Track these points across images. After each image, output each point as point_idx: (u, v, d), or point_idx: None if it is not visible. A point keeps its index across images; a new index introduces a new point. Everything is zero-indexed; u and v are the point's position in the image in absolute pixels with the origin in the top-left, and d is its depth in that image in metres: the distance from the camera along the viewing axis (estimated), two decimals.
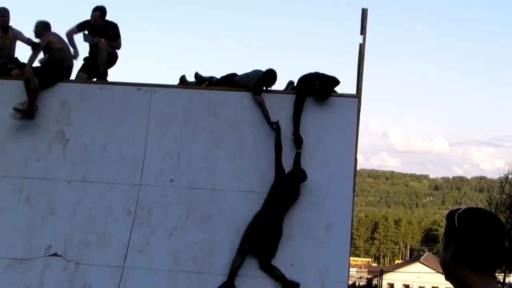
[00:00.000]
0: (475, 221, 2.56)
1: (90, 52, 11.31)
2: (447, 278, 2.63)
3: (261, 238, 9.24)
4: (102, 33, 11.15)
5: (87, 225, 9.63)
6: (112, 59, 11.25)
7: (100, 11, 11.14)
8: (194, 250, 9.37)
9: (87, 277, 9.23)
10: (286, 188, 9.49)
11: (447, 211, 2.79)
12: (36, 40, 10.80)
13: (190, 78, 11.09)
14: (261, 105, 10.08)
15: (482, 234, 2.53)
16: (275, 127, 9.87)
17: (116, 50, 11.35)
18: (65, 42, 10.92)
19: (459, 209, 2.67)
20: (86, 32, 11.20)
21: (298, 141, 9.86)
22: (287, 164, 9.68)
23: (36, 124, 10.40)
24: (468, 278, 2.52)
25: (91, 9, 11.19)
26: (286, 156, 9.69)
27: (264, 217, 9.35)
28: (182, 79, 11.12)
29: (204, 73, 11.02)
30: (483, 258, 2.52)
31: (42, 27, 10.83)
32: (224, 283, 9.06)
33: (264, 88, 10.29)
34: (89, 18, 11.19)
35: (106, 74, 11.12)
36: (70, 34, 11.12)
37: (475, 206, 2.76)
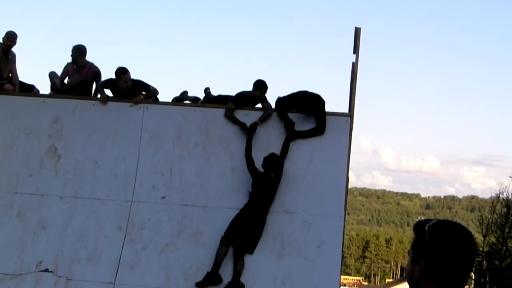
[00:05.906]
0: (447, 236, 2.44)
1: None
2: None
3: (242, 230, 9.35)
4: (130, 94, 10.60)
5: (78, 241, 9.62)
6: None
7: (128, 72, 10.55)
8: (185, 267, 9.37)
9: None
10: (265, 181, 9.60)
11: None
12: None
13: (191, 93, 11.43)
14: (231, 110, 10.26)
15: (455, 251, 2.42)
16: (249, 128, 10.05)
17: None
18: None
19: (428, 220, 2.52)
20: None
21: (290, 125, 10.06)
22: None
23: (29, 139, 10.40)
24: None
25: (115, 71, 10.56)
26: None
27: (247, 211, 9.49)
28: (206, 91, 11.54)
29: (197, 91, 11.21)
30: (454, 275, 2.43)
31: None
32: (208, 274, 9.15)
33: (259, 95, 10.34)
34: (112, 76, 10.65)
35: None
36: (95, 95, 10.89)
37: (446, 219, 2.58)
